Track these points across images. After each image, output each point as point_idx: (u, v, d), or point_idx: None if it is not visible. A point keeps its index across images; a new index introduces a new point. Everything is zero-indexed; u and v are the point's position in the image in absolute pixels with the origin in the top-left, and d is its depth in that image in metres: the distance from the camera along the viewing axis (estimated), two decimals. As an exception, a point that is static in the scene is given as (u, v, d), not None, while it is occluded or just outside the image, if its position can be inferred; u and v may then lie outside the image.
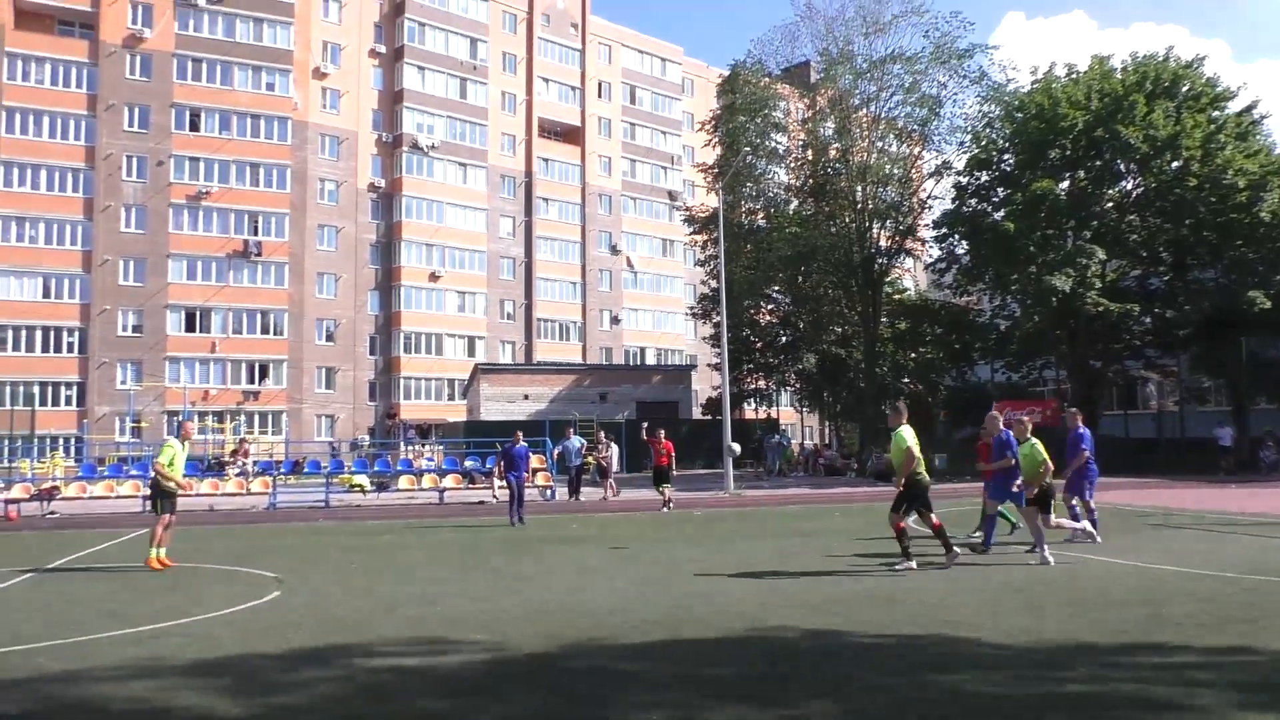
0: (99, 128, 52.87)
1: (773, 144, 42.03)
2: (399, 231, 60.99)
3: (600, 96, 71.89)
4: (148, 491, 14.96)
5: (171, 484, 12.34)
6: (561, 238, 69.28)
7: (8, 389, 48.19)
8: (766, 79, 40.54)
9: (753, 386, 50.02)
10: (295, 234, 57.04)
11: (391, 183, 61.51)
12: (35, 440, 36.29)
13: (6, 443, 34.71)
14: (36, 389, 48.57)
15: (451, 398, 59.71)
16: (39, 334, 51.35)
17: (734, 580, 10.32)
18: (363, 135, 60.78)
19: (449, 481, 25.25)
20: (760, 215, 42.88)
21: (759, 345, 48.13)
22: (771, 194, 42.73)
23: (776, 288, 44.81)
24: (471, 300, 63.79)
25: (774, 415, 49.76)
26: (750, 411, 53.19)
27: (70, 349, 51.90)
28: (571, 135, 70.75)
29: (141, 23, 54.01)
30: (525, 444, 18.79)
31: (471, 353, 61.68)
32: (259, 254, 55.43)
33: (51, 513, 21.91)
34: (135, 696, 5.87)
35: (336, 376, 58.71)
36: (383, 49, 62.10)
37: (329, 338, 58.85)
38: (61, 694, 5.97)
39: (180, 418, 49.82)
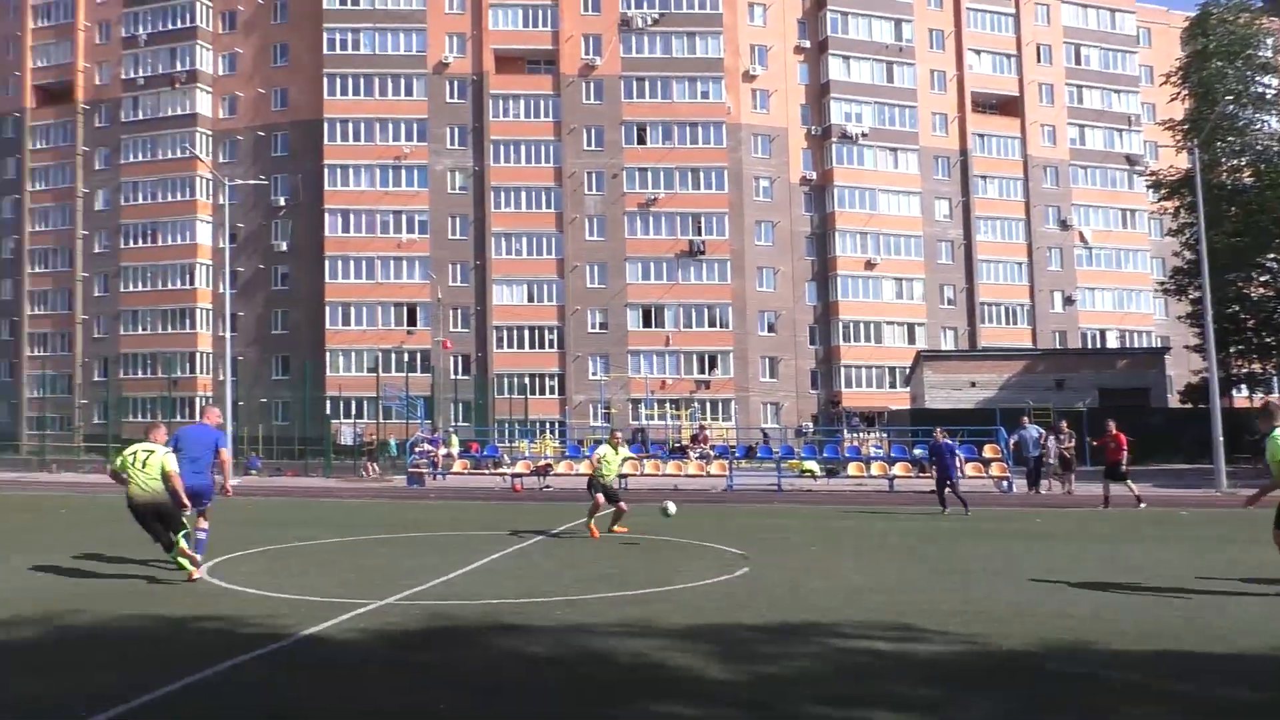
0: (564, 150, 59.64)
1: (1259, 89, 36.24)
2: (833, 222, 61.52)
3: (1040, 61, 66.65)
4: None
5: (604, 479, 14.15)
6: (1003, 216, 65.35)
7: (505, 380, 56.16)
8: (1246, 14, 35.06)
9: (1245, 370, 43.43)
10: (735, 231, 59.82)
11: (823, 174, 62.20)
12: (528, 424, 41.89)
13: (507, 426, 40.49)
14: (526, 380, 55.95)
15: (893, 385, 59.04)
16: (526, 333, 59.23)
17: (1245, 590, 9.01)
18: (792, 131, 62.12)
19: (898, 470, 24.97)
20: (1247, 172, 37.17)
21: (1250, 323, 41.65)
22: (1260, 146, 36.87)
23: (1272, 255, 38.52)
24: (909, 286, 62.51)
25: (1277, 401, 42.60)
26: (1242, 399, 46.25)
27: (551, 345, 59.22)
28: (1008, 106, 66.45)
29: (593, 52, 60.04)
30: (949, 440, 18.20)
31: (911, 340, 60.48)
32: (703, 252, 58.96)
33: (547, 487, 25.18)
34: (635, 652, 6.50)
35: (779, 365, 60.71)
36: (807, 44, 62.94)
37: (770, 329, 60.98)
38: (575, 643, 6.79)
39: (642, 405, 54.65)
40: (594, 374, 57.94)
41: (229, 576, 9.73)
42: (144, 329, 62.16)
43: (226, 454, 11.20)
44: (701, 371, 59.15)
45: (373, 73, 59.91)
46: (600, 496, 13.96)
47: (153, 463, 9.56)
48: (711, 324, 59.52)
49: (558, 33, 60.07)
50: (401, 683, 5.86)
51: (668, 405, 54.44)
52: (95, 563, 10.96)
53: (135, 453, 9.71)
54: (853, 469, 25.95)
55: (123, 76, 63.81)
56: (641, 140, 60.10)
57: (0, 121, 67.78)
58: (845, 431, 38.65)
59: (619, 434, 15.73)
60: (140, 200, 62.81)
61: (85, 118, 65.46)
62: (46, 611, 7.81)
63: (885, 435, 32.19)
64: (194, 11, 62.52)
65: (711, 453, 27.94)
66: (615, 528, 13.87)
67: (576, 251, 59.17)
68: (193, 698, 5.40)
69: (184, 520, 9.69)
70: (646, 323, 59.32)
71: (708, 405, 58.23)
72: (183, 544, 9.45)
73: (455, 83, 60.47)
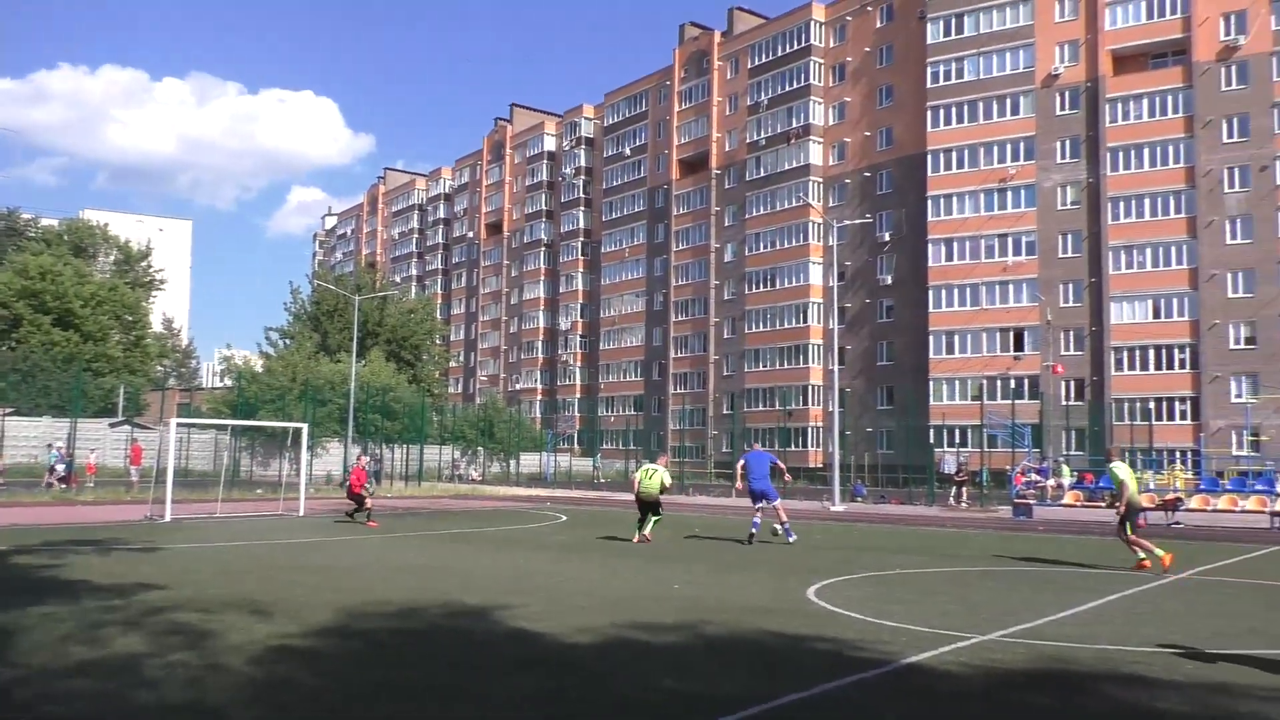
0: (1196, 147, 52.66)
1: None
2: None
3: None
4: None
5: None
6: None
7: (1125, 405, 50.95)
8: None
9: None
10: None
11: None
12: (1153, 453, 37.53)
13: (1128, 455, 36.68)
14: (1151, 404, 50.23)
15: None
16: (1151, 352, 53.19)
17: None
18: None
19: None
20: None
21: None
22: None
23: None
24: None
25: None
26: None
27: (1182, 365, 52.40)
28: None
29: (1235, 32, 52.16)
30: None
31: None
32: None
33: (1176, 523, 22.29)
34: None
35: None
36: None
37: None
38: (1214, 705, 5.84)
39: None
40: (1238, 396, 49.86)
41: (835, 600, 10.22)
42: (764, 365, 68.55)
43: (782, 466, 17.83)
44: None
45: (976, 98, 59.29)
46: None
47: (655, 477, 16.97)
48: None
49: (1189, 18, 53.52)
50: (1002, 725, 5.62)
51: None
52: (726, 576, 12.35)
53: (646, 469, 17.55)
54: None
55: (747, 140, 71.66)
56: (1297, 123, 50.75)
57: (654, 193, 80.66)
58: None
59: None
60: (761, 249, 69.68)
61: (717, 181, 74.85)
62: (687, 620, 8.96)
63: None
64: (808, 70, 67.95)
65: None
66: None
67: (1213, 258, 51.72)
68: (798, 713, 5.76)
69: (660, 512, 17.14)
70: (1311, 337, 49.51)
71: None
72: (648, 530, 16.81)
73: (1065, 94, 57.15)
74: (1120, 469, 13.94)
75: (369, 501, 20.98)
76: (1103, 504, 25.38)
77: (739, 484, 18.08)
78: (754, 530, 17.05)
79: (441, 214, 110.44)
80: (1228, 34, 52.45)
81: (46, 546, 14.44)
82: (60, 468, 31.17)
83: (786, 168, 68.48)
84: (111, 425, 45.45)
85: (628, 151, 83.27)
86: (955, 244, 59.39)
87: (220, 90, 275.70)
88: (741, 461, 17.63)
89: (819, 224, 65.20)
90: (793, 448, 52.88)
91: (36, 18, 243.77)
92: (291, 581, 11.06)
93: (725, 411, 69.65)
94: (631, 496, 17.72)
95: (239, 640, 7.40)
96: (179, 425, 25.83)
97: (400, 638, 7.88)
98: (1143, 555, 13.51)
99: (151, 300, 72.66)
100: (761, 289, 69.29)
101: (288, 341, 60.86)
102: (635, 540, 16.73)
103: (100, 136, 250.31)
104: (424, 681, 6.32)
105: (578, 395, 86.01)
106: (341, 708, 5.63)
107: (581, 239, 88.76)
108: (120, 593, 9.84)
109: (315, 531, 18.66)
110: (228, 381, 56.07)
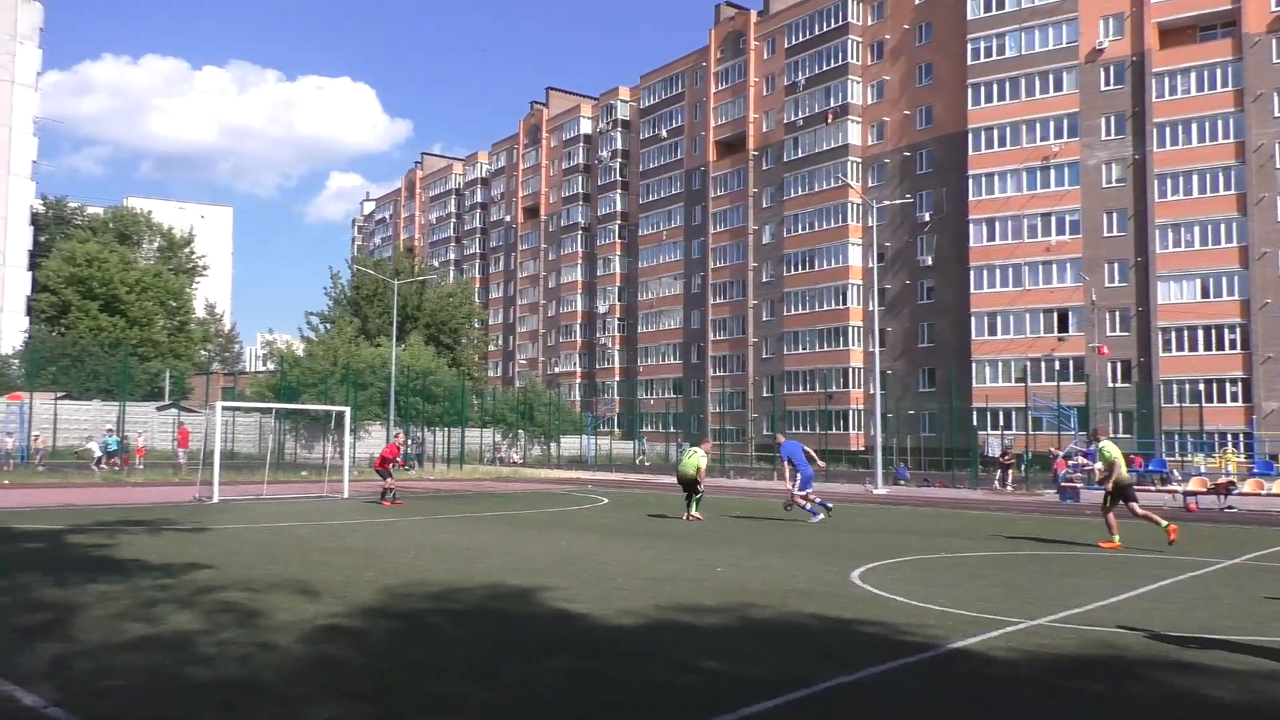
0: (1247, 121, 51.35)
1: None
2: None
3: None
4: None
5: None
6: None
7: (1174, 387, 50.04)
8: None
9: None
10: None
11: None
12: (1203, 436, 36.83)
13: (1177, 438, 36.12)
14: (1200, 386, 49.26)
15: None
16: (1200, 333, 52.12)
17: None
18: None
19: None
20: None
21: None
22: None
23: None
24: None
25: None
26: None
27: (1232, 345, 51.31)
28: None
29: (1286, 2, 50.77)
30: None
31: None
32: None
33: (1229, 507, 21.88)
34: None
35: None
36: None
37: None
38: (1270, 693, 5.73)
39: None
40: (1291, 378, 48.76)
41: (879, 584, 10.15)
42: (803, 348, 68.14)
43: (813, 453, 19.08)
44: None
45: (1018, 74, 58.23)
46: None
47: (690, 459, 18.56)
48: None
49: (1241, -11, 52.15)
50: (1056, 708, 5.54)
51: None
52: (768, 559, 12.33)
53: (686, 450, 19.58)
54: None
55: (785, 120, 71.04)
56: (1351, 95, 49.30)
57: (691, 175, 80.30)
58: None
59: None
60: (800, 230, 69.15)
61: (754, 163, 74.32)
62: (730, 602, 8.96)
63: None
64: (846, 49, 67.12)
65: None
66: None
67: (1264, 236, 50.49)
68: (844, 697, 5.72)
69: (699, 491, 18.60)
70: (1365, 316, 48.27)
71: None
72: (694, 509, 18.29)
73: (1110, 68, 55.94)
74: (1110, 448, 14.34)
75: (390, 481, 21.30)
76: (1152, 487, 25.02)
77: (787, 476, 19.09)
78: (829, 507, 18.68)
79: (478, 198, 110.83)
80: (1279, 4, 51.03)
81: (100, 526, 14.76)
82: (96, 449, 31.86)
83: (825, 148, 67.81)
84: (159, 409, 46.33)
85: (664, 134, 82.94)
86: (997, 223, 58.53)
87: (259, 78, 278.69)
88: (785, 454, 18.61)
89: (858, 204, 64.55)
90: (834, 430, 52.56)
91: (84, 8, 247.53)
92: (337, 563, 11.20)
93: (765, 394, 69.41)
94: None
95: (287, 619, 7.50)
96: (224, 408, 26.24)
97: (443, 618, 7.95)
98: (1115, 538, 14.03)
99: (194, 286, 73.90)
100: (800, 271, 68.80)
101: (328, 326, 61.53)
102: (685, 519, 18.12)
103: (143, 125, 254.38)
104: (467, 661, 6.37)
105: (616, 378, 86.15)
106: (389, 687, 5.69)
107: (618, 222, 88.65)
108: (171, 571, 10.03)
109: (359, 513, 18.89)
110: (270, 365, 56.86)
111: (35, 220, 67.85)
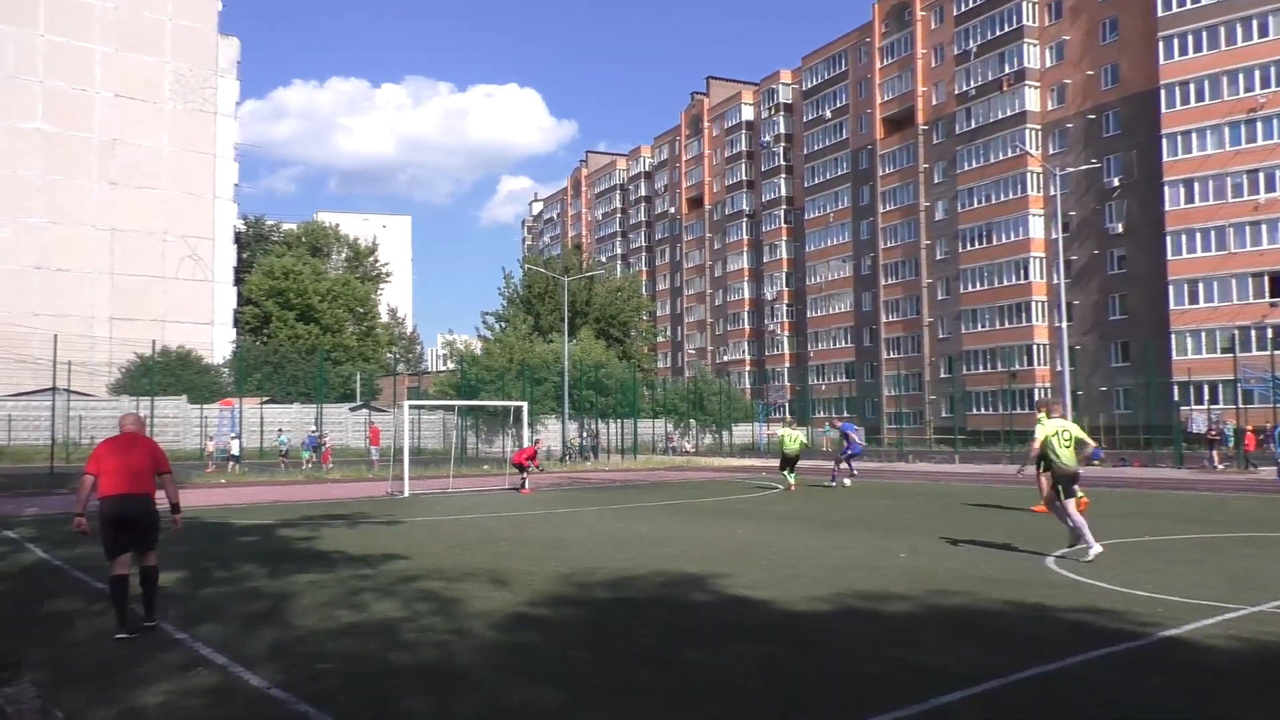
0: None
1: None
2: None
3: None
4: None
5: None
6: None
7: None
8: None
9: None
10: None
11: None
12: None
13: None
14: None
15: None
16: None
17: None
18: None
19: None
20: None
21: None
22: None
23: None
24: None
25: None
26: None
27: None
28: None
29: None
30: None
31: None
32: None
33: None
34: None
35: None
36: None
37: None
38: None
39: None
40: None
41: (1077, 569, 9.62)
42: (983, 326, 65.31)
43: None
44: None
45: (1216, 22, 53.66)
46: None
47: (795, 440, 22.61)
48: None
49: None
50: (1275, 701, 5.09)
51: None
52: (955, 545, 11.90)
53: (788, 434, 23.00)
54: None
55: (955, 91, 68.21)
56: None
57: (857, 155, 78.40)
58: None
59: None
60: (975, 204, 66.26)
61: (924, 137, 71.76)
62: (915, 590, 8.70)
63: None
64: (1020, 11, 63.80)
65: None
66: None
67: None
68: (1041, 688, 5.45)
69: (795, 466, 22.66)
70: None
71: None
72: (791, 480, 22.32)
73: (1320, 6, 50.81)
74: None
75: (524, 476, 22.97)
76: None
77: (838, 458, 24.46)
78: (856, 474, 24.58)
79: (643, 191, 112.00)
80: None
81: (304, 520, 15.81)
82: (284, 445, 34.37)
83: (1000, 116, 64.66)
84: (351, 409, 49.22)
85: (828, 114, 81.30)
86: (1196, 184, 54.22)
87: (433, 90, 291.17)
88: (844, 435, 24.41)
89: (1038, 173, 61.27)
90: (1019, 410, 50.09)
91: (275, 38, 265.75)
92: (521, 553, 11.57)
93: (943, 375, 67.05)
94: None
95: (480, 607, 7.81)
96: (411, 407, 27.60)
97: (624, 606, 8.07)
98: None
99: (379, 292, 78.10)
100: (977, 246, 65.97)
101: (503, 325, 63.65)
102: (793, 488, 22.11)
103: (330, 144, 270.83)
104: (650, 649, 6.44)
105: (787, 365, 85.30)
106: (576, 674, 5.83)
107: (784, 207, 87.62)
108: (370, 562, 10.64)
109: (539, 505, 19.46)
110: (451, 365, 59.36)
111: (238, 239, 73.27)
